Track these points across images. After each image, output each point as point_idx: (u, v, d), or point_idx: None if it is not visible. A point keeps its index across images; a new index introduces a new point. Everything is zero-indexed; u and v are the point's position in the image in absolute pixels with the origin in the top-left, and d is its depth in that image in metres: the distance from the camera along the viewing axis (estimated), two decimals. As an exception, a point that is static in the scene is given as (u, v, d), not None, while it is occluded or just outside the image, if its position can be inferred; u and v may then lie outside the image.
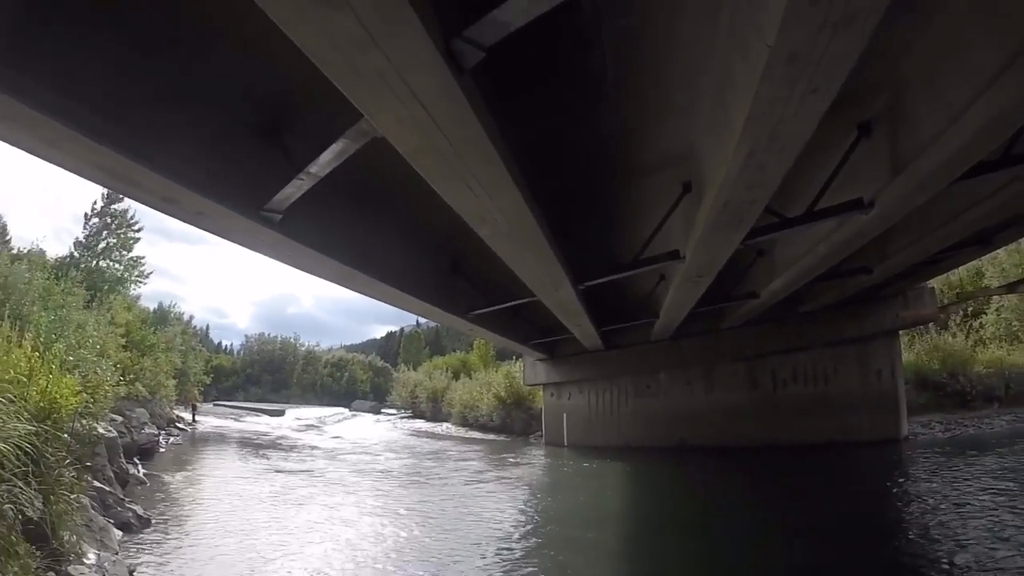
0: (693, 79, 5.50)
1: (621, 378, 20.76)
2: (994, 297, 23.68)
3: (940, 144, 5.37)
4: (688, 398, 19.62)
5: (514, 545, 8.74)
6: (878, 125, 6.31)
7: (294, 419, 35.98)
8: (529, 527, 10.03)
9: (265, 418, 35.65)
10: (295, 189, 5.74)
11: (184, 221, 6.07)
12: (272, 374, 61.88)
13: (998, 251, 21.05)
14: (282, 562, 7.61)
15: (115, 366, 11.17)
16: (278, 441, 22.86)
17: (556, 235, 8.05)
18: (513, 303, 12.08)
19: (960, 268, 22.80)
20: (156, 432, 18.03)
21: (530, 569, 7.49)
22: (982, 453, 13.48)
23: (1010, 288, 18.61)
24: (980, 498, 9.61)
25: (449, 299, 11.43)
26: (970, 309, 24.83)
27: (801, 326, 17.42)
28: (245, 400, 51.00)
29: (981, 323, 24.20)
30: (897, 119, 5.96)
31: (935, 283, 18.80)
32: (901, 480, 12.22)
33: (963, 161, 5.90)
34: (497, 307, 12.27)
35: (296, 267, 8.16)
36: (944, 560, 7.07)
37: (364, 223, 8.34)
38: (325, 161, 5.29)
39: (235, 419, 32.86)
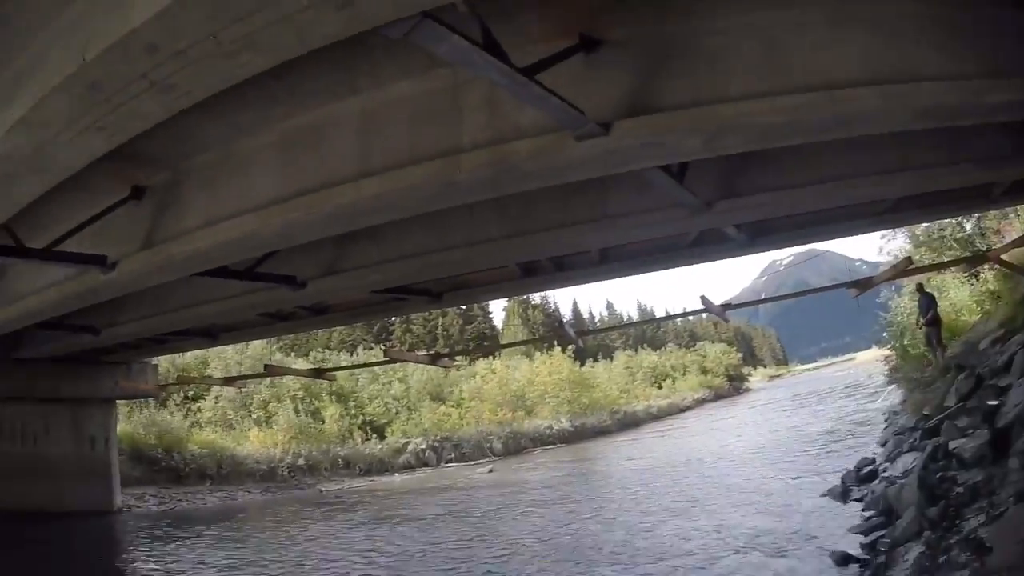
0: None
1: None
2: (215, 387, 26.40)
3: (196, 237, 5.89)
4: None
5: None
6: (151, 195, 6.42)
7: None
8: None
9: None
10: None
11: None
12: None
13: (227, 347, 23.78)
14: None
15: None
16: None
17: None
18: None
19: (189, 353, 24.89)
20: None
21: None
22: (195, 525, 14.46)
23: (227, 381, 21.07)
24: (195, 569, 10.17)
25: None
26: (191, 393, 27.02)
27: (15, 374, 14.83)
28: None
29: (200, 407, 26.91)
30: (170, 198, 6.26)
31: (162, 361, 19.61)
32: (114, 553, 12.09)
33: (210, 261, 6.57)
34: None
35: None
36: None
37: None
38: None
39: None
